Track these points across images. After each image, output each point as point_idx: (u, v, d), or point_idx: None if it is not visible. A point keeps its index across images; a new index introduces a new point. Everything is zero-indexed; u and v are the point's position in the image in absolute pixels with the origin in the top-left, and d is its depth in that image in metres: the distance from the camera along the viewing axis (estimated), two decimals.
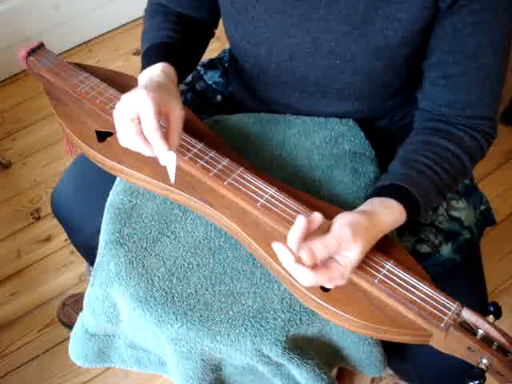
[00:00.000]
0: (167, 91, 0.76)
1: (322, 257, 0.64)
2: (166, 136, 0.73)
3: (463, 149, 0.80)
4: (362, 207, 0.74)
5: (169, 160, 0.72)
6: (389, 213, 0.73)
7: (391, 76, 0.86)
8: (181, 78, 0.86)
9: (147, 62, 0.84)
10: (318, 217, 0.67)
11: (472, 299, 0.81)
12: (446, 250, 0.90)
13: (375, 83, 0.86)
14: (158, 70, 0.81)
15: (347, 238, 0.66)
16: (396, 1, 0.76)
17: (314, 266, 0.64)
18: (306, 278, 0.64)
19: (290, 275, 0.69)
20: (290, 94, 0.93)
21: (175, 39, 0.88)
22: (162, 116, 0.73)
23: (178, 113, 0.74)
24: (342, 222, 0.68)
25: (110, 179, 0.88)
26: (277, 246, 0.64)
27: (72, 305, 1.41)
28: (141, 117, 0.70)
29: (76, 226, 1.02)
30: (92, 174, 0.97)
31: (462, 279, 0.90)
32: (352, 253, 0.66)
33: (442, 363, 0.86)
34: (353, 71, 0.84)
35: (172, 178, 0.75)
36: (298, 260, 0.63)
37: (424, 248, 0.90)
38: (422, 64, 0.84)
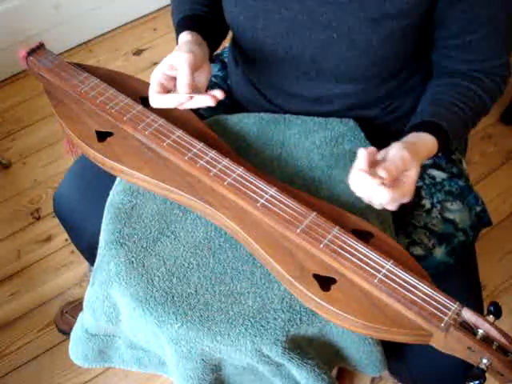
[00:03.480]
0: (180, 48, 0.81)
1: (395, 175, 0.71)
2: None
3: (484, 88, 0.88)
4: (401, 140, 0.80)
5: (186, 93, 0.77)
6: (423, 144, 0.80)
7: (388, 53, 0.86)
8: (211, 50, 0.90)
9: (181, 31, 0.89)
10: (374, 149, 0.74)
11: (467, 303, 0.81)
12: (439, 252, 0.89)
13: (372, 59, 0.86)
14: (186, 37, 0.86)
15: (408, 158, 0.73)
16: None
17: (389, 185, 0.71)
18: (385, 196, 0.70)
19: (291, 275, 0.69)
20: (286, 74, 0.93)
21: (206, 12, 0.93)
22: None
23: (180, 56, 0.77)
24: (397, 147, 0.75)
25: (111, 179, 0.88)
26: (357, 173, 0.71)
27: (71, 312, 1.40)
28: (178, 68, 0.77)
29: (78, 226, 1.02)
30: (94, 174, 0.97)
31: (456, 283, 0.89)
32: (412, 171, 0.74)
33: (442, 363, 0.85)
34: (350, 45, 0.84)
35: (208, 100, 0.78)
36: (378, 178, 0.69)
37: (417, 250, 0.90)
38: (436, 33, 0.87)
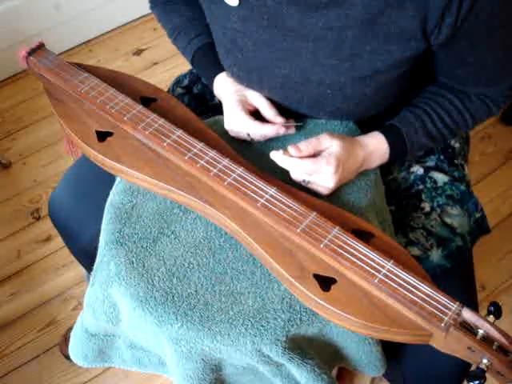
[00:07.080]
0: (236, 91, 0.92)
1: (307, 151, 0.80)
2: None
3: (466, 105, 0.88)
4: None
5: (282, 123, 0.90)
6: (366, 137, 0.86)
7: (381, 97, 0.87)
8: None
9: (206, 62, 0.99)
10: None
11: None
12: (436, 255, 0.89)
13: (366, 105, 0.88)
14: (222, 85, 0.95)
15: (325, 136, 0.82)
16: (384, 35, 0.76)
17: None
18: (292, 164, 0.80)
19: (291, 275, 0.69)
20: (284, 112, 0.94)
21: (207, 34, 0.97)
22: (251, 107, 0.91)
23: (252, 95, 0.91)
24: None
25: (106, 185, 0.88)
26: (280, 158, 0.81)
27: None
28: (251, 131, 0.89)
29: (74, 232, 1.01)
30: (88, 181, 0.97)
31: (451, 287, 0.88)
32: (333, 147, 0.81)
33: (442, 363, 0.85)
34: (343, 99, 0.86)
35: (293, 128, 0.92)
36: (287, 153, 0.80)
37: (414, 251, 0.90)
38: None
